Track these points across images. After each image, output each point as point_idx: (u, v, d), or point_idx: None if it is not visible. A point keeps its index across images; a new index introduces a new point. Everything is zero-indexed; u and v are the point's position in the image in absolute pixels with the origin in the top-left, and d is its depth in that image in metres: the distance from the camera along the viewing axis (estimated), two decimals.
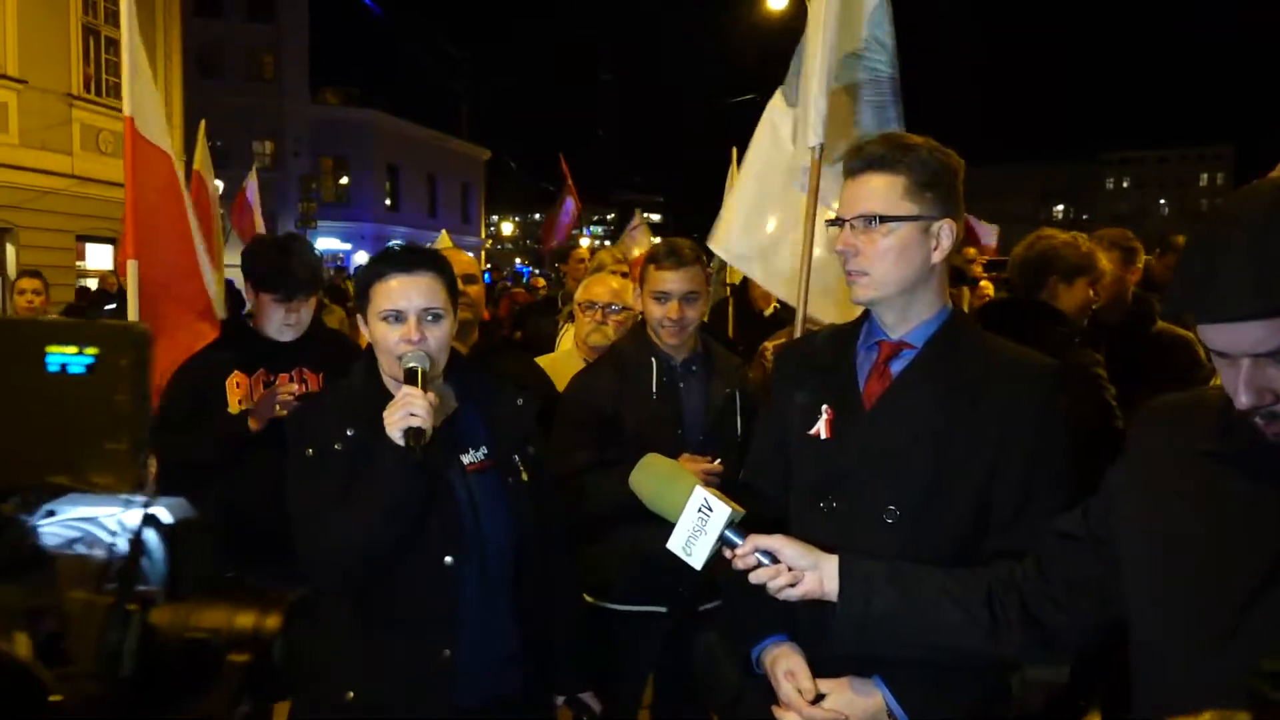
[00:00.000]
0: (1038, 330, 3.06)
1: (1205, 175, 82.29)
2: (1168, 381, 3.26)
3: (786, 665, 1.78)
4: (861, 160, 1.82)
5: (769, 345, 3.71)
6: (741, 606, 1.88)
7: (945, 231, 1.80)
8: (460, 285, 3.18)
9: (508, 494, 2.15)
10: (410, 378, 1.95)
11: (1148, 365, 3.59)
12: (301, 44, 34.21)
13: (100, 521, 0.68)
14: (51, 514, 0.69)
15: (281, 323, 3.25)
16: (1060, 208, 71.17)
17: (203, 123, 7.17)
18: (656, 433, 2.88)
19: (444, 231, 7.80)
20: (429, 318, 2.04)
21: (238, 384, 3.20)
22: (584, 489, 2.86)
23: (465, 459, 2.14)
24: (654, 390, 2.98)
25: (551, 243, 9.28)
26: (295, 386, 3.17)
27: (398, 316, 2.03)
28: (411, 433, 1.86)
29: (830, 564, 1.62)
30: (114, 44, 14.91)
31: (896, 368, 1.84)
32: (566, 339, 4.74)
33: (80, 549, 0.67)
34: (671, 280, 2.95)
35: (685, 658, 2.93)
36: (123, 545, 0.68)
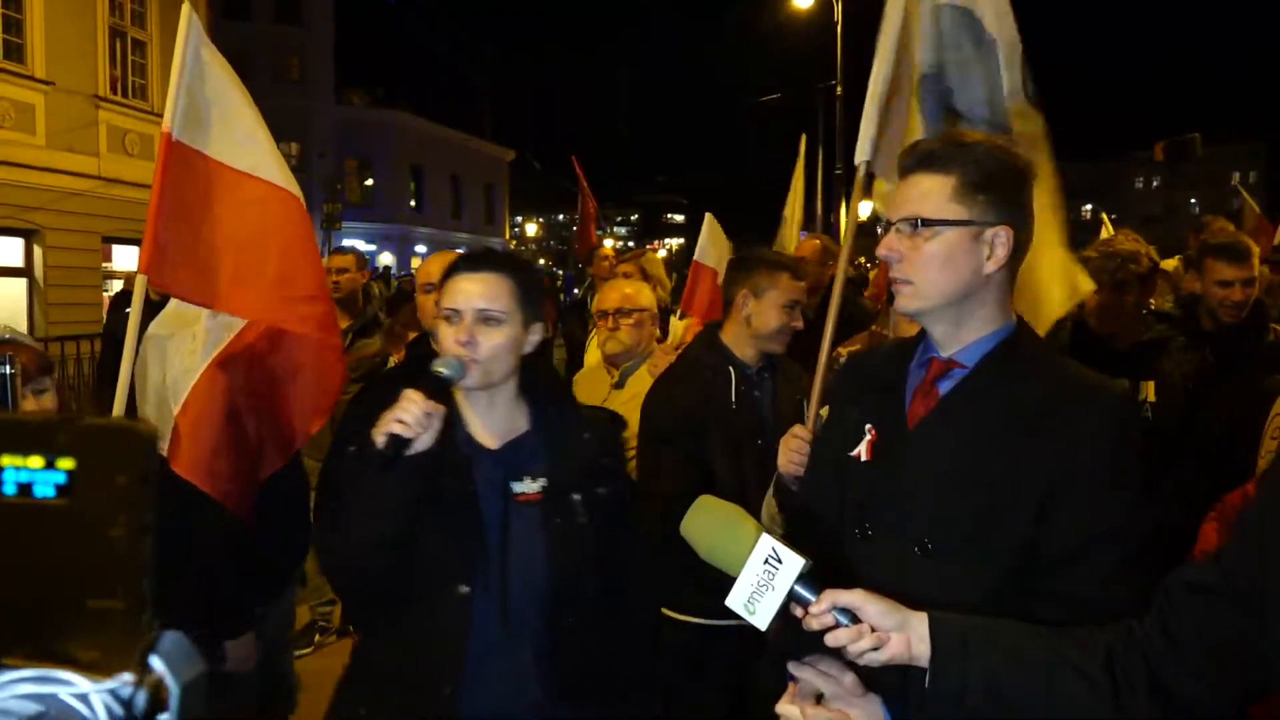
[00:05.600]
0: None
1: (1237, 173, 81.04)
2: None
3: None
4: (913, 159, 1.68)
5: (843, 350, 3.58)
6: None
7: (1000, 240, 1.62)
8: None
9: (552, 533, 1.98)
10: (435, 385, 1.83)
11: (1259, 375, 3.31)
12: (327, 45, 34.28)
13: (89, 701, 0.47)
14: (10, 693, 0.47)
15: None
16: (1089, 206, 70.19)
17: None
18: (739, 444, 2.91)
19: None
20: (484, 319, 1.93)
21: None
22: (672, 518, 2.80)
23: (518, 487, 1.99)
24: (734, 400, 2.97)
25: (584, 248, 9.18)
26: None
27: (453, 315, 1.94)
28: (392, 439, 1.76)
29: (919, 623, 1.40)
30: (140, 46, 14.89)
31: (944, 388, 1.68)
32: (594, 345, 4.71)
33: None
34: (801, 291, 3.05)
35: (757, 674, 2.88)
36: None
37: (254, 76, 32.47)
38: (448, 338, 1.93)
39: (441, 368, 1.86)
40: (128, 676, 0.48)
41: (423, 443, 1.79)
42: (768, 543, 1.39)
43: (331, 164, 33.29)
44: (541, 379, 2.15)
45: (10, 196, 12.49)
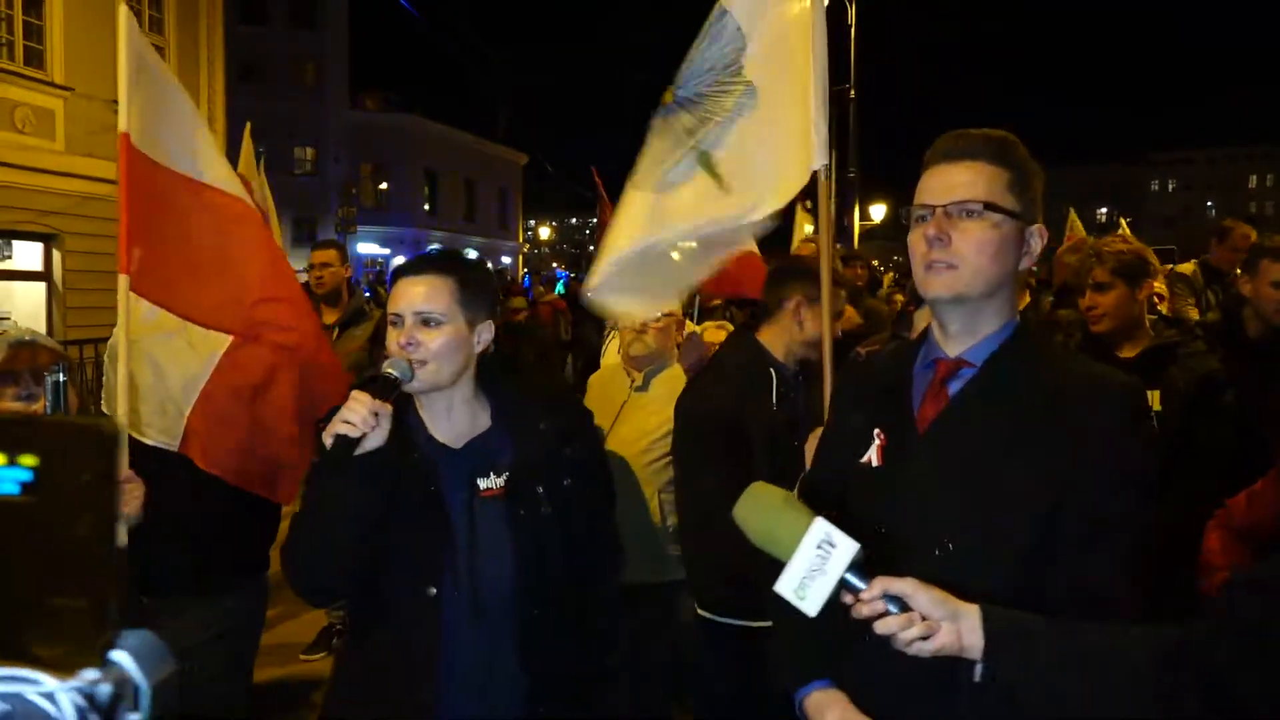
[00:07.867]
0: None
1: (1255, 176, 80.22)
2: None
3: (835, 715, 1.61)
4: (962, 146, 1.64)
5: (862, 350, 3.58)
6: (789, 640, 1.74)
7: (1037, 238, 1.65)
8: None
9: (517, 526, 1.98)
10: (383, 385, 1.85)
11: None
12: (342, 51, 34.43)
13: (56, 700, 0.47)
14: None
15: None
16: (1104, 210, 69.52)
17: (248, 125, 7.04)
18: (781, 445, 2.90)
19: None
20: (423, 322, 1.95)
21: None
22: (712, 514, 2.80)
23: (482, 483, 2.00)
24: (774, 402, 2.98)
25: None
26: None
27: (397, 320, 1.96)
28: (340, 440, 1.77)
29: (971, 615, 1.38)
30: (158, 51, 14.95)
31: (954, 388, 1.66)
32: (613, 349, 4.68)
33: None
34: (843, 300, 3.12)
35: None
36: None
37: (269, 81, 32.73)
38: (392, 341, 1.96)
39: (390, 369, 1.88)
40: (92, 674, 0.49)
41: (371, 441, 1.80)
42: (822, 526, 1.37)
43: (346, 168, 33.43)
44: (517, 371, 2.18)
45: (30, 201, 12.60)
